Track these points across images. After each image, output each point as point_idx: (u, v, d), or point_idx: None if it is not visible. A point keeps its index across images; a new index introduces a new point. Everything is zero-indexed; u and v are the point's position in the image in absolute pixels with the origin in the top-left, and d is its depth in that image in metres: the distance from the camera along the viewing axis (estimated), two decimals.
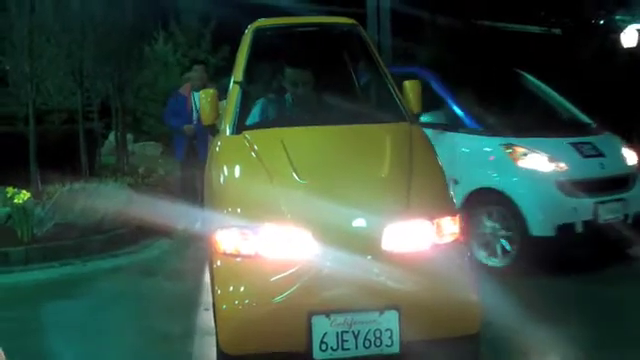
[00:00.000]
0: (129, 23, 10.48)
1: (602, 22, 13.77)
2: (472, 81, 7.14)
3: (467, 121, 6.45)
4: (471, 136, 6.38)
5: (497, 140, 6.20)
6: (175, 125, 7.76)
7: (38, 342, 4.56)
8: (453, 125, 6.48)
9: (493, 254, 6.05)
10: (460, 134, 6.41)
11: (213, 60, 15.48)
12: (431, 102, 6.70)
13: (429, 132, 6.49)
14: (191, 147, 7.54)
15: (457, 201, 6.06)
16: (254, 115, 4.43)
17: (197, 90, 7.55)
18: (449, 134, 6.40)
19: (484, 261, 6.03)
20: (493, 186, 6.09)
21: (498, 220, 6.03)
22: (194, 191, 7.06)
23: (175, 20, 16.40)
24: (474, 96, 6.71)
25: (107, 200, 7.50)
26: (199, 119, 7.26)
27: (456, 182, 6.10)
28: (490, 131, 6.31)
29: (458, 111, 6.55)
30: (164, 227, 7.24)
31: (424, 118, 6.66)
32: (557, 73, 9.38)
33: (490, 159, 6.27)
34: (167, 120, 8.12)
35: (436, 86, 6.75)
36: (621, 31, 13.04)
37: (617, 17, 13.38)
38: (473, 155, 6.35)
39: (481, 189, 6.13)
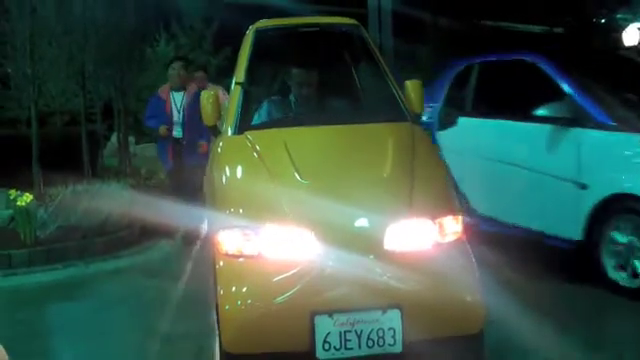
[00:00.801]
0: (131, 25, 10.49)
1: (603, 21, 13.76)
2: (593, 70, 6.25)
3: (598, 115, 5.45)
4: (604, 133, 5.39)
5: (637, 137, 5.25)
6: (153, 125, 7.31)
7: (42, 344, 4.57)
8: (578, 120, 5.54)
9: (627, 272, 5.21)
10: (589, 130, 5.46)
11: (215, 61, 15.54)
12: (546, 93, 5.93)
13: (547, 128, 5.70)
14: (176, 152, 7.15)
15: (586, 209, 5.36)
16: (260, 117, 4.45)
17: (177, 90, 7.14)
18: (573, 130, 5.54)
19: (616, 279, 5.26)
20: (632, 192, 5.15)
21: (635, 232, 5.16)
22: (193, 192, 7.01)
23: (177, 22, 16.44)
24: (600, 86, 5.84)
25: (110, 201, 7.51)
26: (184, 122, 7.02)
27: (584, 187, 5.40)
28: (627, 127, 5.33)
29: (586, 103, 5.55)
30: (166, 228, 7.25)
31: (540, 111, 5.87)
32: None
33: (628, 160, 5.27)
34: (146, 122, 7.70)
35: (555, 74, 5.88)
36: (622, 30, 13.01)
37: (619, 16, 13.35)
38: (606, 155, 5.39)
39: (616, 195, 5.23)
